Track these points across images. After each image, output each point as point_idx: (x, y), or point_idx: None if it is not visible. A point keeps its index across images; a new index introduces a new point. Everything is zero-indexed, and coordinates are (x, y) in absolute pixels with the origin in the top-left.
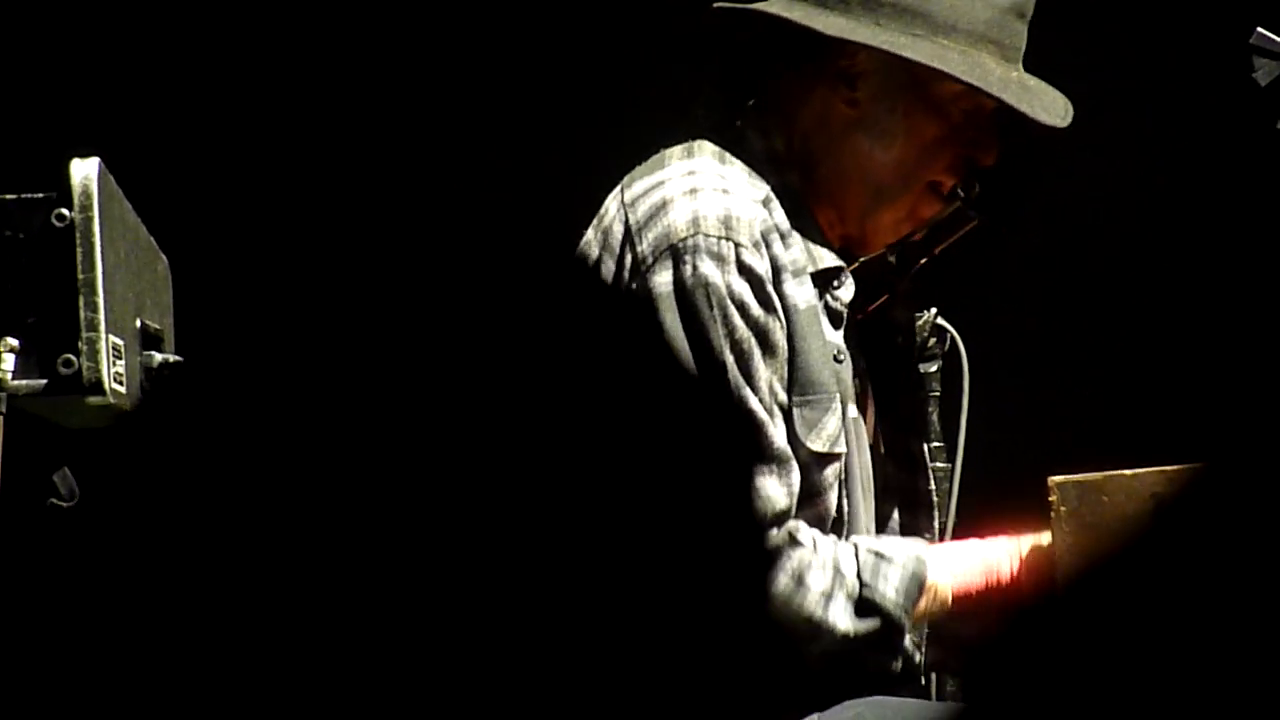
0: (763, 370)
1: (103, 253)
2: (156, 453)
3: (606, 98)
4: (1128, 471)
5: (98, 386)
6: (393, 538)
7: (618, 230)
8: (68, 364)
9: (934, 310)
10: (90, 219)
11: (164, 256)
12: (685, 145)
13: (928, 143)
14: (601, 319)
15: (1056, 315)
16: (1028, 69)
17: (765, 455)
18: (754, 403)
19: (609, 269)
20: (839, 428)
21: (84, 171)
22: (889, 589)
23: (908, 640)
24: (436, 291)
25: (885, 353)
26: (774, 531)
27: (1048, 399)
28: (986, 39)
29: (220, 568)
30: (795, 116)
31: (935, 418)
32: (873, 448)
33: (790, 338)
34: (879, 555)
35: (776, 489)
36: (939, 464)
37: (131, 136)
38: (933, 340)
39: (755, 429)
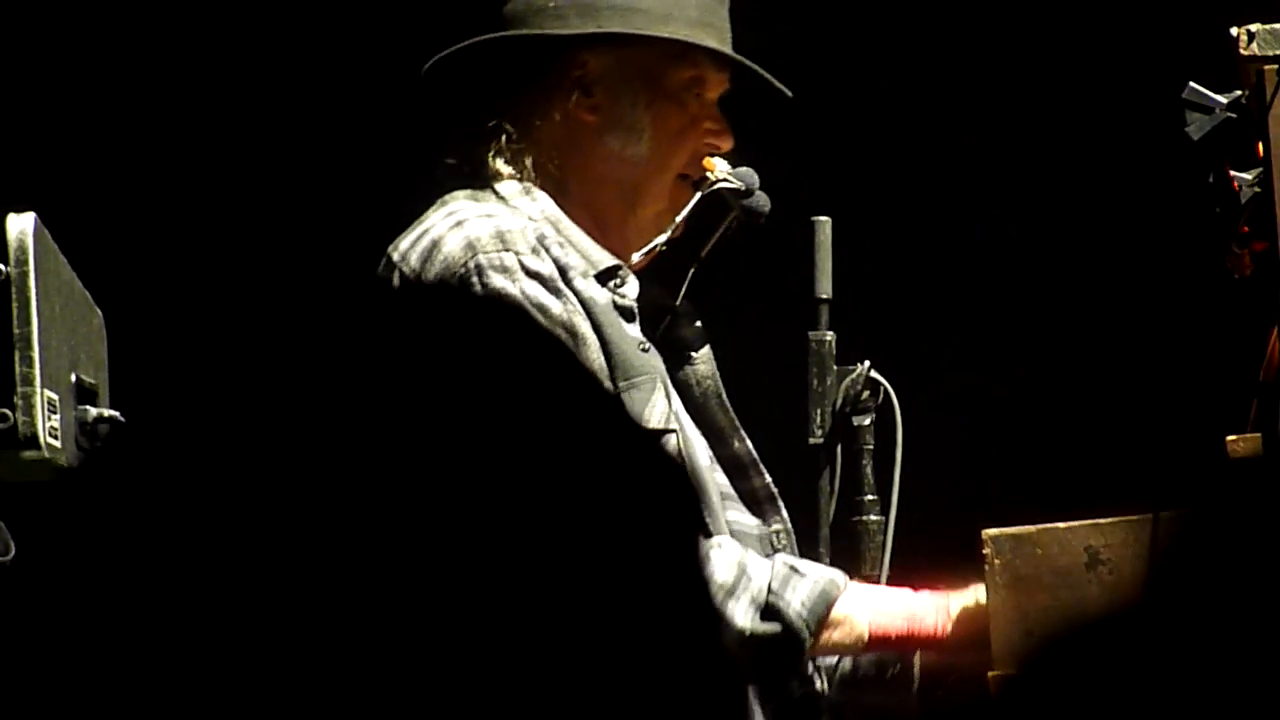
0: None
1: (38, 307)
2: (92, 508)
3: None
4: (1061, 524)
5: (33, 441)
6: (306, 587)
7: (395, 284)
8: (3, 419)
9: (867, 364)
10: (26, 274)
11: (99, 311)
12: (438, 202)
13: (672, 133)
14: (407, 372)
15: (990, 368)
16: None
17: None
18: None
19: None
20: (669, 406)
21: (19, 226)
22: (795, 599)
23: (811, 667)
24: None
25: (685, 370)
26: None
27: (981, 452)
28: (702, 23)
29: (152, 619)
30: (539, 136)
31: (869, 470)
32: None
33: (596, 328)
34: (793, 569)
35: None
36: (872, 516)
37: (66, 192)
38: (866, 393)
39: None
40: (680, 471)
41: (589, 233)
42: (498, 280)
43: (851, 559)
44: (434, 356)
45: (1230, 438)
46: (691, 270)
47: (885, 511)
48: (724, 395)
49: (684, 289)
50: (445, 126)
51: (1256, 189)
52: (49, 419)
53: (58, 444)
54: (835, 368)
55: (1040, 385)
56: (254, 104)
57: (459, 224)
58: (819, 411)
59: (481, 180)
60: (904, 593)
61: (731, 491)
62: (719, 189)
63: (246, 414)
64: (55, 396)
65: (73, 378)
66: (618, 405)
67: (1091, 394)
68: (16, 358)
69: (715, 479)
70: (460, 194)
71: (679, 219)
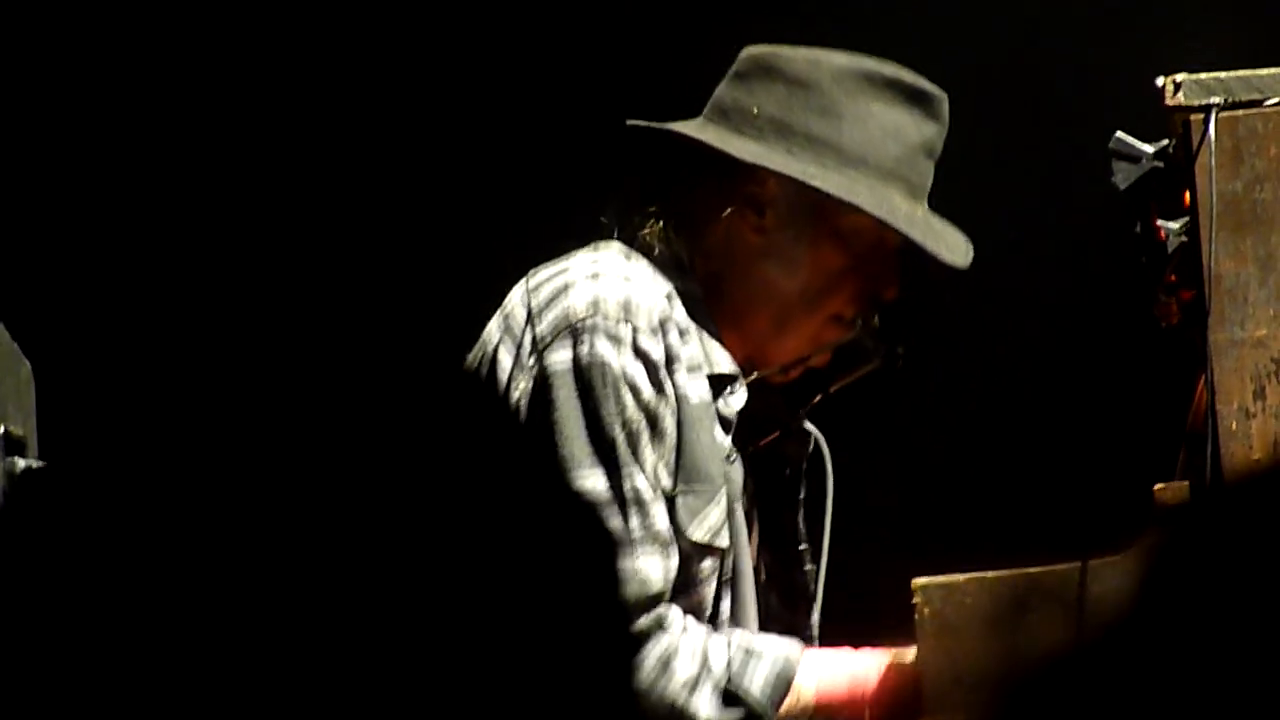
0: (650, 452)
1: None
2: (18, 559)
3: (528, 202)
4: (990, 573)
5: None
6: (276, 639)
7: (519, 315)
8: None
9: (800, 413)
10: None
11: (26, 361)
12: (592, 244)
13: (832, 273)
14: (501, 399)
15: (918, 417)
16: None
17: (647, 535)
18: (639, 480)
19: (509, 351)
20: (722, 520)
21: None
22: (754, 685)
23: None
24: (334, 379)
25: (774, 486)
26: (645, 615)
27: (911, 501)
28: (895, 175)
29: (80, 673)
30: (703, 233)
31: (800, 520)
32: (755, 575)
33: (680, 426)
34: (749, 651)
35: (655, 570)
36: (804, 567)
37: None
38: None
39: (639, 508)
40: (614, 588)
41: (726, 335)
42: (604, 346)
43: (783, 608)
44: (515, 401)
45: (1158, 486)
46: (818, 397)
47: (816, 561)
48: (801, 522)
49: (805, 411)
50: (614, 186)
51: (1183, 238)
52: None
53: None
54: None
55: (969, 434)
56: (174, 148)
57: (595, 276)
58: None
59: (637, 246)
60: (845, 654)
61: (775, 616)
62: (862, 339)
63: (193, 458)
64: None
65: (0, 429)
66: (635, 503)
67: (1020, 442)
68: None
69: (769, 600)
70: (614, 244)
71: (814, 358)
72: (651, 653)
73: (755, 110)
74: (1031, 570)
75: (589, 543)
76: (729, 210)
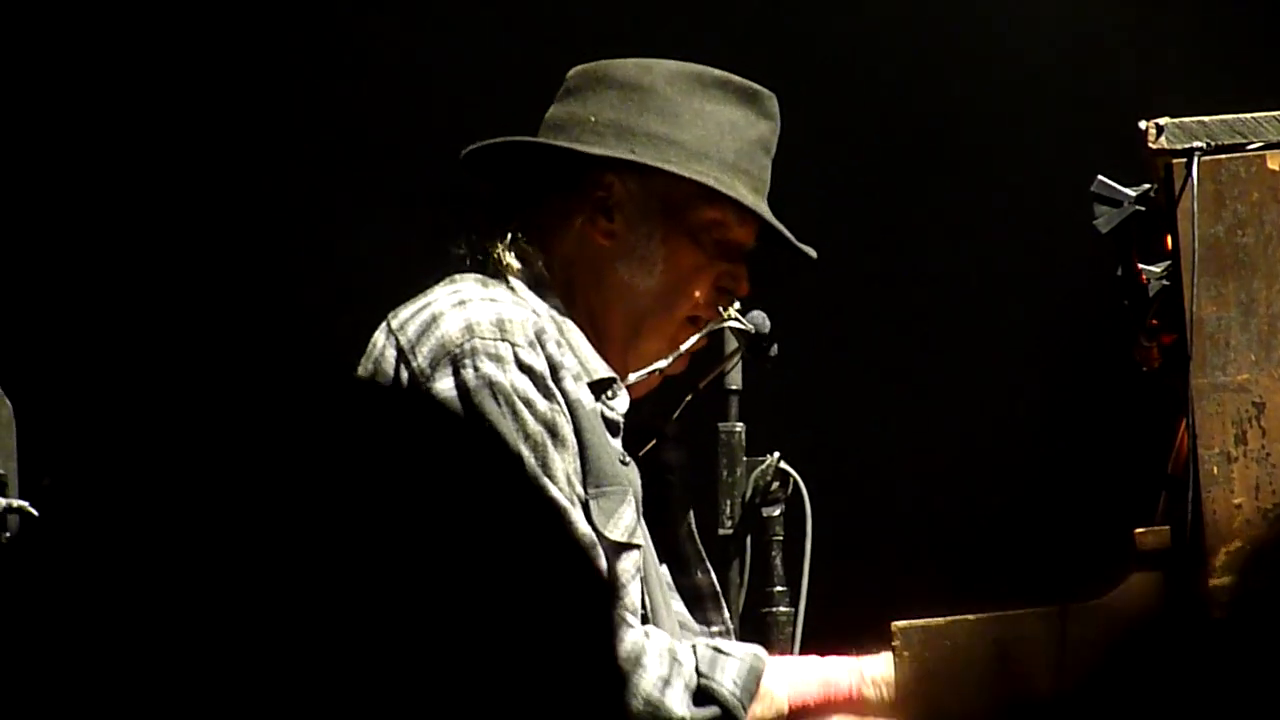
0: (558, 462)
1: None
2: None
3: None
4: (970, 616)
5: None
6: (225, 680)
7: (390, 355)
8: None
9: (777, 454)
10: None
11: (8, 401)
12: (447, 279)
13: (685, 271)
14: (384, 441)
15: (898, 460)
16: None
17: (572, 542)
18: (554, 492)
19: (384, 394)
20: (635, 520)
21: None
22: (726, 679)
23: None
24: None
25: (660, 493)
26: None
27: (891, 543)
28: (737, 168)
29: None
30: (555, 245)
31: (779, 561)
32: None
33: (578, 432)
34: (717, 650)
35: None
36: (782, 608)
37: None
38: (775, 484)
39: (560, 517)
40: (597, 579)
41: (590, 342)
42: (488, 366)
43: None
44: (410, 431)
45: (1138, 530)
46: (687, 398)
47: (795, 603)
48: (693, 524)
49: (676, 414)
50: (464, 214)
51: (1165, 282)
52: None
53: None
54: (745, 459)
55: (948, 478)
56: (156, 179)
57: (462, 303)
58: (729, 502)
59: (492, 269)
60: (815, 660)
61: (693, 625)
62: (728, 328)
63: (171, 494)
64: None
65: None
66: (554, 515)
67: (1000, 485)
68: None
69: (673, 608)
70: (470, 276)
71: (682, 349)
72: (620, 650)
73: (592, 118)
74: (1011, 613)
75: (518, 560)
76: (578, 219)
